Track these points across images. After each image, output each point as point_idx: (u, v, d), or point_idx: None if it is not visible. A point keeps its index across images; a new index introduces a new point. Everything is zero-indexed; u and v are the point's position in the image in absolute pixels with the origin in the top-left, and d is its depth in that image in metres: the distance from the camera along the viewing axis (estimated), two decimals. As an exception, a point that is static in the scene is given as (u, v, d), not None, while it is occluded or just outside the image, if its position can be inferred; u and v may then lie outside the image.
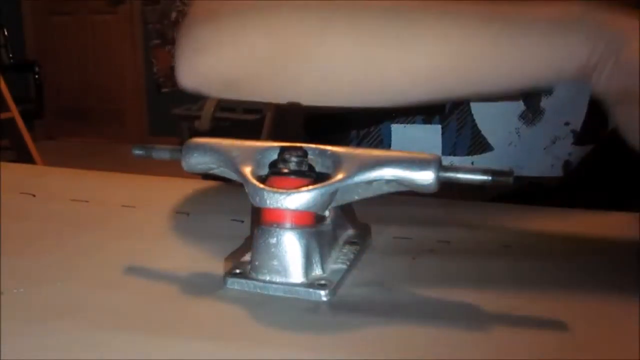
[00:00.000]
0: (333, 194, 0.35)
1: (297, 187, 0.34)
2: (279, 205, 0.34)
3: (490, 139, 0.61)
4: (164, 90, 4.47)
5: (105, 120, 4.81)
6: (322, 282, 0.34)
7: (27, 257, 0.39)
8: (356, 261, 0.38)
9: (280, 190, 0.34)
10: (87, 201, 0.49)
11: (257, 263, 0.35)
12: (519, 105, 0.61)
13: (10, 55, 4.15)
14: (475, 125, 0.61)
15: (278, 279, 0.34)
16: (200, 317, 0.32)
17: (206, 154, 0.38)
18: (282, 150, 0.36)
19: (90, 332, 0.30)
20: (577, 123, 0.61)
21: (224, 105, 3.81)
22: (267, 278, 0.34)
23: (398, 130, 0.62)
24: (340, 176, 0.34)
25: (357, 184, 0.35)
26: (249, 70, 0.49)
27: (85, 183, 0.54)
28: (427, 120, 0.62)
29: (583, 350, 0.30)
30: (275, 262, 0.34)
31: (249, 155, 0.37)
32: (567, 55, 0.44)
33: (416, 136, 0.62)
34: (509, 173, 0.33)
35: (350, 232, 0.40)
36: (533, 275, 0.38)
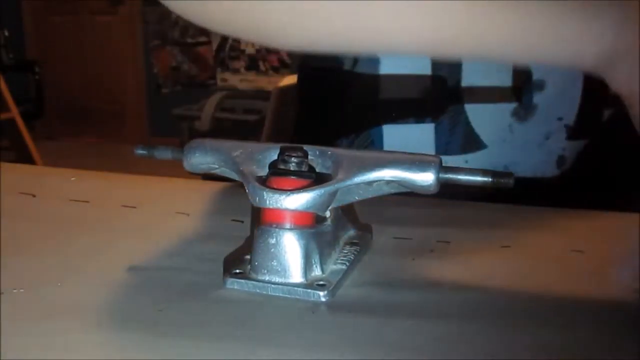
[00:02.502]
0: (333, 195, 0.35)
1: (297, 188, 0.34)
2: (279, 205, 0.34)
3: (484, 137, 0.61)
4: (164, 90, 4.47)
5: (105, 120, 4.80)
6: (321, 282, 0.34)
7: (27, 257, 0.39)
8: (356, 262, 0.38)
9: (280, 191, 0.34)
10: (87, 201, 0.49)
11: (256, 263, 0.35)
12: (511, 102, 0.60)
13: (11, 55, 4.15)
14: (469, 123, 0.61)
15: (277, 280, 0.34)
16: (200, 317, 0.32)
17: (207, 154, 0.38)
18: (283, 150, 0.36)
19: (90, 332, 0.30)
20: (570, 117, 0.61)
21: (224, 106, 3.81)
22: (267, 278, 0.34)
23: (390, 131, 0.62)
24: (340, 177, 0.34)
25: (357, 185, 0.35)
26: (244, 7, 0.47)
27: (85, 183, 0.54)
28: (420, 120, 0.61)
29: (583, 350, 0.30)
30: (274, 263, 0.34)
31: (249, 155, 0.37)
32: (588, 35, 0.40)
33: (409, 136, 0.61)
34: (508, 175, 0.33)
35: (351, 232, 0.40)
36: (533, 275, 0.38)
